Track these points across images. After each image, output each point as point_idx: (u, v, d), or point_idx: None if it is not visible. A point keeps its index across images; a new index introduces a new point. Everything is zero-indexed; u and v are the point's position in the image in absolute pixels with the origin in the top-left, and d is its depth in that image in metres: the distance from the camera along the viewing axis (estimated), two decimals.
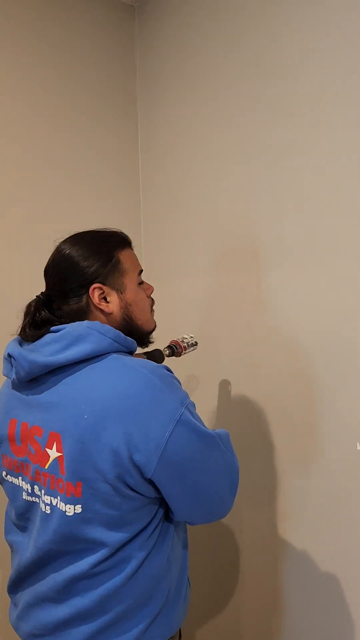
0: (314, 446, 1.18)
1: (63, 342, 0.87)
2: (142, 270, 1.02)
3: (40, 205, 1.54)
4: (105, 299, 0.94)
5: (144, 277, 1.04)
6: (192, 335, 1.30)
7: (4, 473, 0.97)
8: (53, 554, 0.88)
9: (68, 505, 0.84)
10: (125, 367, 0.86)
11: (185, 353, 1.25)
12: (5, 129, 1.48)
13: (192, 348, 1.27)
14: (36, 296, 0.98)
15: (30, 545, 0.91)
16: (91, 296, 0.93)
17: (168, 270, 1.66)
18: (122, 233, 1.02)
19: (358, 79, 1.06)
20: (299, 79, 1.18)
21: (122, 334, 0.91)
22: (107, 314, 0.95)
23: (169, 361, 1.16)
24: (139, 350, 1.11)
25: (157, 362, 1.09)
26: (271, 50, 1.26)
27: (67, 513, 0.85)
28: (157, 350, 1.21)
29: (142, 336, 1.02)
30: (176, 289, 1.62)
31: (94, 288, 0.93)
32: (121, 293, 0.96)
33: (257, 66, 1.30)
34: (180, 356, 1.24)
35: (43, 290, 0.98)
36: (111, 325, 0.93)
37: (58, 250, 0.96)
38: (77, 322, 0.89)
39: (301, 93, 1.18)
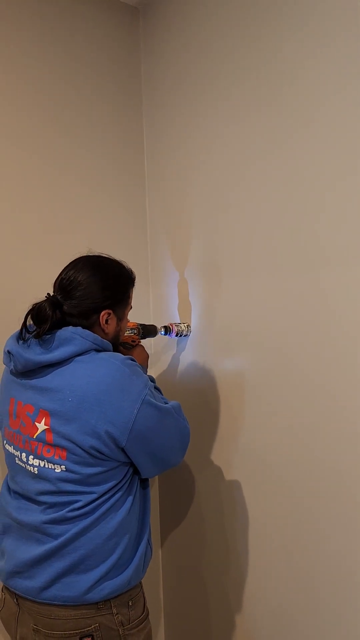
0: None
1: (53, 343, 1.09)
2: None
3: (43, 207, 1.54)
4: (107, 321, 1.16)
5: None
6: (188, 326, 1.58)
7: (4, 442, 1.20)
8: (38, 504, 1.09)
9: (55, 465, 1.07)
10: (101, 360, 1.09)
11: (176, 337, 1.57)
12: (9, 134, 1.48)
13: (183, 334, 1.57)
14: (49, 299, 1.13)
15: (17, 503, 1.14)
16: (100, 318, 1.15)
17: (172, 270, 1.66)
18: (133, 272, 1.26)
19: None
20: (306, 82, 1.17)
21: (99, 337, 1.13)
22: (105, 333, 1.17)
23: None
24: (137, 321, 1.48)
25: (150, 333, 1.49)
26: (278, 52, 1.24)
27: (55, 470, 1.07)
28: (153, 325, 1.51)
29: (116, 345, 1.27)
30: (177, 290, 1.62)
31: (105, 312, 1.16)
32: (120, 321, 1.21)
33: (263, 68, 1.29)
34: (171, 337, 1.56)
35: (50, 292, 1.15)
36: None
37: (80, 272, 1.14)
38: (64, 328, 1.10)
39: (308, 95, 1.17)
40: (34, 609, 1.08)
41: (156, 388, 1.30)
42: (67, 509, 1.06)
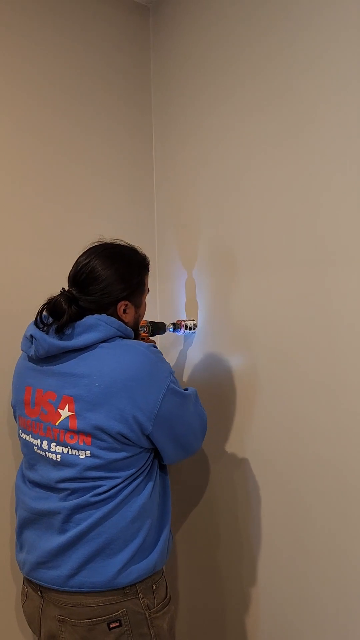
0: None
1: (78, 329, 1.09)
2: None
3: (49, 201, 1.54)
4: (125, 311, 1.17)
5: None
6: (195, 322, 1.60)
7: (19, 431, 1.20)
8: (58, 492, 1.09)
9: (80, 451, 1.07)
10: (128, 347, 1.10)
11: (184, 333, 1.60)
12: (17, 125, 1.49)
13: (190, 331, 1.60)
14: (63, 294, 1.12)
15: (35, 492, 1.14)
16: (118, 309, 1.16)
17: (180, 267, 1.68)
18: (147, 257, 1.25)
19: None
20: (320, 80, 1.17)
21: (123, 324, 1.14)
22: (125, 322, 1.17)
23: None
24: (146, 318, 1.45)
25: (159, 330, 1.51)
26: (289, 49, 1.25)
27: (80, 457, 1.07)
28: (162, 322, 1.54)
29: (136, 332, 1.27)
30: (184, 286, 1.64)
31: (122, 304, 1.16)
32: (137, 308, 1.21)
33: (274, 65, 1.30)
34: (179, 333, 1.59)
35: (65, 288, 1.15)
36: None
37: (94, 265, 1.13)
38: (87, 316, 1.10)
39: (321, 92, 1.17)
40: (60, 599, 1.08)
41: None
42: (90, 494, 1.07)
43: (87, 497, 1.07)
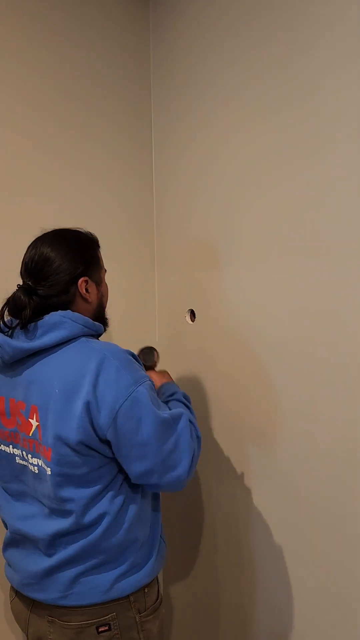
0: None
1: (41, 329, 1.03)
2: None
3: (46, 199, 1.53)
4: (87, 289, 1.11)
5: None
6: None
7: None
8: (43, 507, 1.06)
9: (47, 467, 1.02)
10: (92, 350, 1.02)
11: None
12: (12, 122, 1.47)
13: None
14: (20, 287, 1.07)
15: (21, 507, 1.10)
16: (79, 287, 1.09)
17: (178, 264, 1.66)
18: (93, 234, 1.19)
19: None
20: (323, 81, 1.12)
21: (90, 320, 1.08)
22: (89, 303, 1.12)
23: None
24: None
25: (148, 361, 1.42)
26: (293, 49, 1.19)
27: (47, 472, 1.02)
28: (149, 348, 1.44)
29: (104, 318, 1.20)
30: (183, 282, 1.62)
31: (83, 280, 1.09)
32: (98, 285, 1.15)
33: (280, 59, 1.25)
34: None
35: (20, 283, 1.09)
36: (87, 312, 1.11)
37: (42, 250, 1.09)
38: (52, 312, 1.04)
39: (324, 92, 1.13)
40: (49, 608, 1.08)
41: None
42: (70, 522, 1.02)
43: (66, 527, 1.02)
